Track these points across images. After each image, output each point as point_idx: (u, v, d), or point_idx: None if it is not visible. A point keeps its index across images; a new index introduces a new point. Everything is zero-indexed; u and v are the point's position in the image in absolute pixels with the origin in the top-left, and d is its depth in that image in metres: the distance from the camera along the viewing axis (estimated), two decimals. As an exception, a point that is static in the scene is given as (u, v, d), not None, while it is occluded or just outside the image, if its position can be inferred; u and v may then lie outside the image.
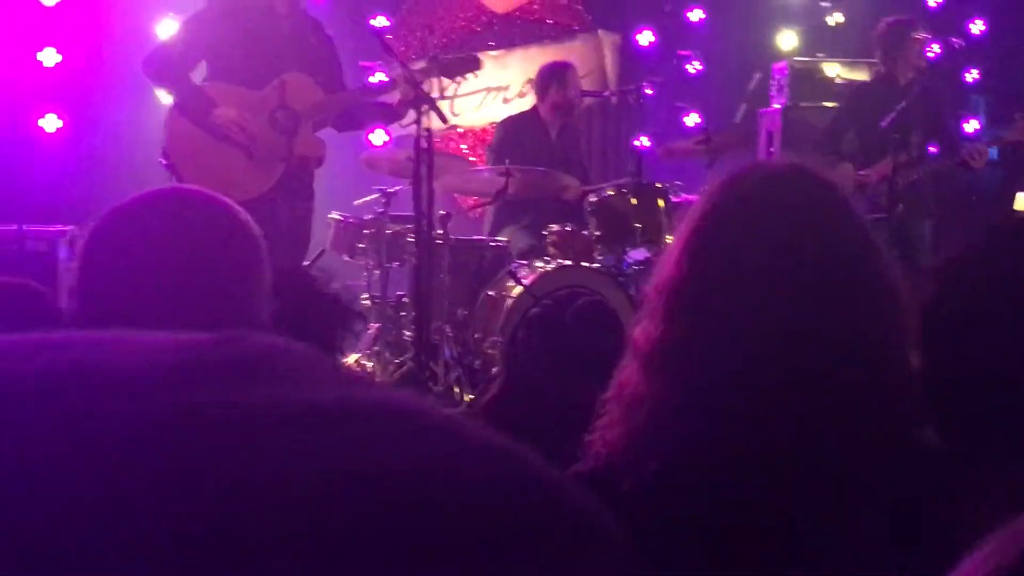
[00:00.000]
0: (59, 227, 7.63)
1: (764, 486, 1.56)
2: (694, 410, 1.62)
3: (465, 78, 6.04)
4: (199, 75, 5.77)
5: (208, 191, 1.67)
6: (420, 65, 5.80)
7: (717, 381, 1.62)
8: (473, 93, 9.07)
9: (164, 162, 5.57)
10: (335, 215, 6.90)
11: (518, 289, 6.28)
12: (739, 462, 1.57)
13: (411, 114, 6.33)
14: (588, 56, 9.26)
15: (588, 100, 8.51)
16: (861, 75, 8.24)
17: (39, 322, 2.13)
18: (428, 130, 5.56)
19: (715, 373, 1.62)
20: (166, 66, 5.59)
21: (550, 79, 7.46)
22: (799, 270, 1.65)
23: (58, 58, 7.92)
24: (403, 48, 8.37)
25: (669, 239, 6.35)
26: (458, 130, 9.07)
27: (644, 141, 8.43)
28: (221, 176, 5.32)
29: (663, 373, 1.66)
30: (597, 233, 6.58)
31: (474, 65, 5.86)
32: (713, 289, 1.67)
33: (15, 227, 6.46)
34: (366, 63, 8.57)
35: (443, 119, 5.36)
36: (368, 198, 6.96)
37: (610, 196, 6.59)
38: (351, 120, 6.15)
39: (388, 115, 5.91)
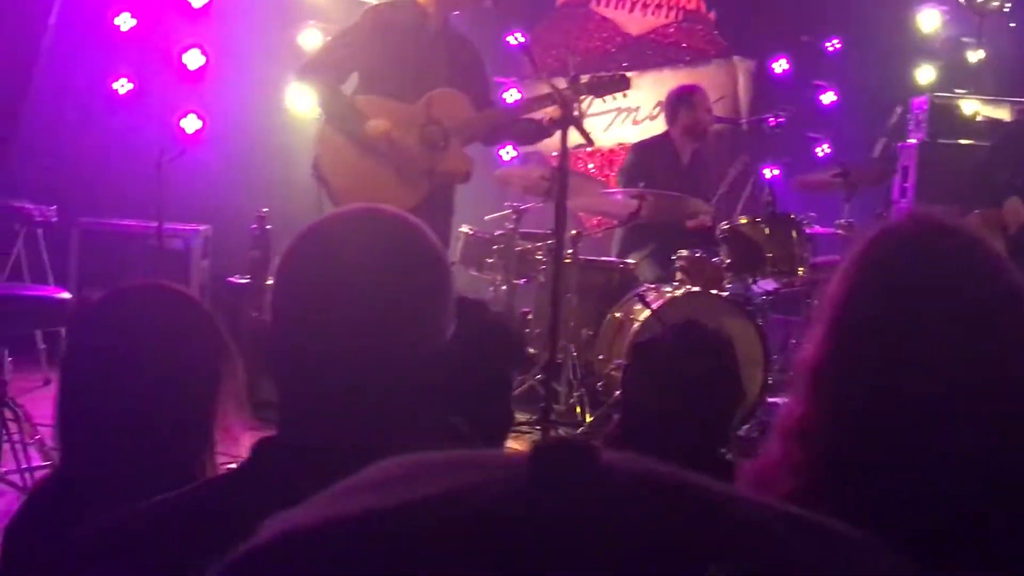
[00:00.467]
0: (194, 226, 7.80)
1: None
2: (837, 485, 1.61)
3: (614, 97, 5.99)
4: (348, 87, 5.80)
5: (401, 212, 1.68)
6: (562, 83, 5.76)
7: (862, 463, 1.60)
8: (603, 113, 9.07)
9: (314, 173, 5.56)
10: (465, 228, 6.95)
11: (645, 313, 6.25)
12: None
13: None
14: (721, 82, 9.22)
15: (718, 126, 8.45)
16: (1002, 113, 8.08)
17: (211, 339, 2.18)
18: (566, 149, 5.52)
19: (859, 454, 1.61)
20: (321, 76, 5.58)
21: (678, 103, 7.43)
22: (949, 329, 1.62)
23: (202, 60, 8.08)
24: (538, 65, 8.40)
25: (801, 271, 6.35)
26: (586, 149, 9.07)
27: (773, 170, 8.37)
28: (370, 189, 5.34)
29: (805, 450, 1.65)
30: (728, 261, 6.52)
31: (624, 85, 5.81)
32: (859, 367, 1.64)
33: (155, 224, 6.59)
34: (500, 79, 8.64)
35: (589, 141, 5.32)
36: (498, 214, 7.01)
37: (743, 224, 6.53)
38: (500, 137, 6.17)
39: (538, 133, 5.88)
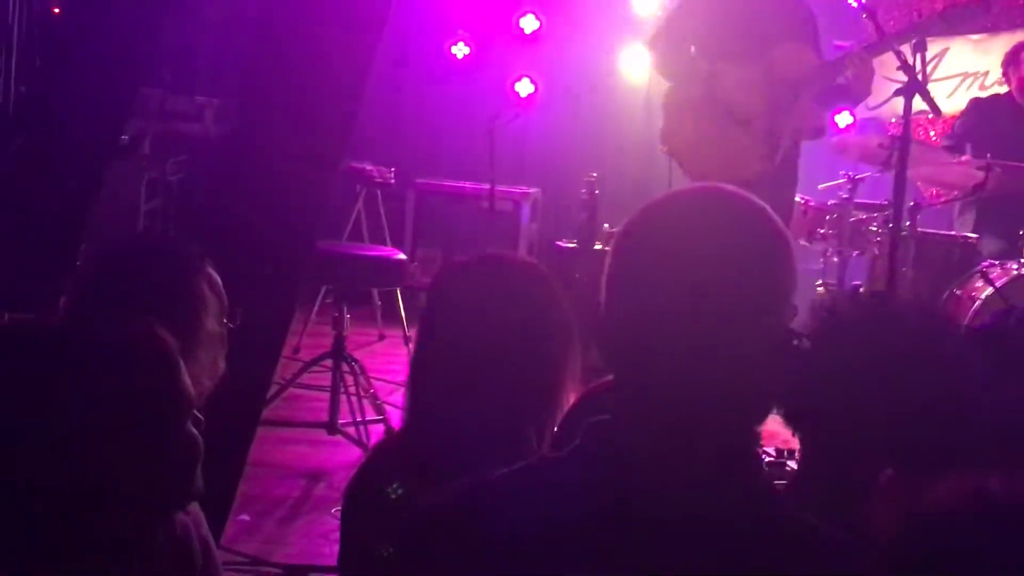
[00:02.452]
0: (524, 189, 7.92)
1: None
2: None
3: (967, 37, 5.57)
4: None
5: (746, 194, 1.60)
6: (907, 49, 5.44)
7: None
8: (948, 78, 8.63)
9: (663, 148, 5.54)
10: (797, 198, 6.75)
11: (988, 291, 5.92)
12: None
13: (879, 98, 6.06)
14: (1082, 44, 8.57)
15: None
16: None
17: (563, 317, 2.19)
18: (909, 117, 5.24)
19: None
20: (669, 46, 5.54)
21: (1007, 63, 7.05)
22: None
23: (536, 24, 8.17)
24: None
25: None
26: (928, 116, 8.64)
27: None
28: (719, 155, 5.27)
29: None
30: (1081, 239, 6.09)
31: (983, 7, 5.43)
32: None
33: (487, 187, 6.72)
34: (839, 43, 8.34)
35: (935, 108, 5.03)
36: (832, 183, 6.78)
37: (1101, 200, 6.08)
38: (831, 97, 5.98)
39: (849, 95, 5.72)
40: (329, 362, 5.03)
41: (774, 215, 1.56)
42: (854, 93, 5.72)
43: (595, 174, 6.72)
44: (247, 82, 3.65)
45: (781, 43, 5.45)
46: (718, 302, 1.46)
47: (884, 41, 5.24)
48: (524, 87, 8.06)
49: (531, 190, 7.99)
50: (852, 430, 1.83)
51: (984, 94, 8.48)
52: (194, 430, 1.75)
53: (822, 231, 6.58)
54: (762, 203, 1.58)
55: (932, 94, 5.82)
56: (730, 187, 1.60)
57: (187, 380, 1.73)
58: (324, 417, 4.97)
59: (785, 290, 1.52)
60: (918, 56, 5.33)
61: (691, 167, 5.36)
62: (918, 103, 5.06)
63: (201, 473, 1.88)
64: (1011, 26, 8.69)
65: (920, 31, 5.29)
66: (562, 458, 1.52)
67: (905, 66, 4.92)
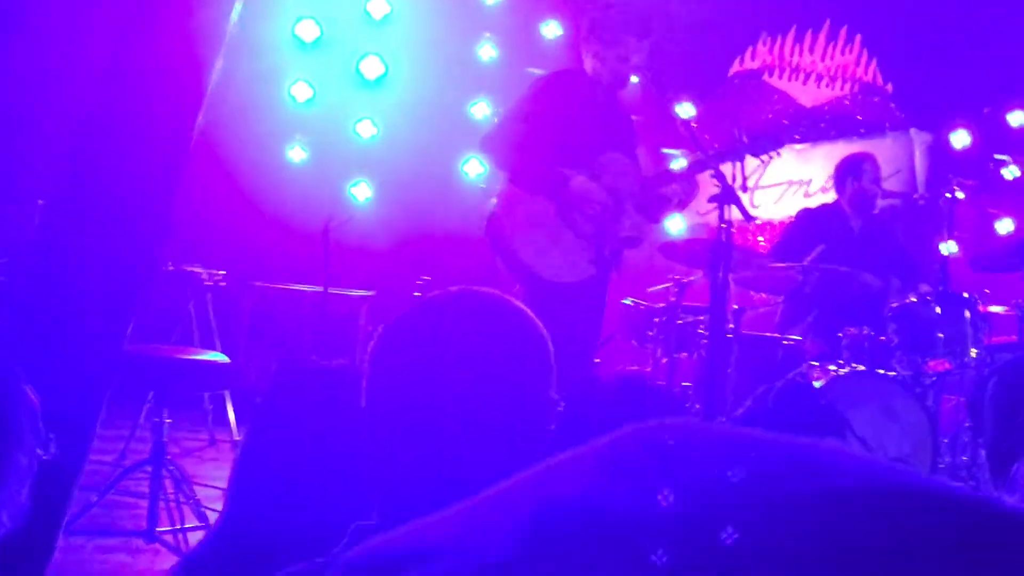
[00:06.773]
0: (359, 292, 7.92)
1: None
2: None
3: (771, 156, 5.77)
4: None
5: (498, 294, 1.64)
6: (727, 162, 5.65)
7: None
8: (774, 186, 8.94)
9: (487, 237, 5.48)
10: (628, 300, 6.88)
11: (808, 391, 6.08)
12: None
13: (708, 204, 6.25)
14: (897, 155, 8.98)
15: (893, 200, 8.23)
16: None
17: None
18: (728, 223, 5.40)
19: None
20: (506, 148, 5.48)
21: (845, 172, 7.31)
22: None
23: (374, 131, 8.24)
24: (707, 137, 8.33)
25: (973, 353, 6.08)
26: (756, 222, 8.93)
27: (952, 246, 8.07)
28: (556, 256, 5.34)
29: None
30: (896, 339, 6.31)
31: (774, 145, 5.65)
32: None
33: (321, 289, 6.71)
34: (668, 150, 8.60)
35: (747, 216, 5.21)
36: (661, 286, 6.93)
37: (913, 303, 6.31)
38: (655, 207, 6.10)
39: (671, 205, 5.85)
40: (150, 468, 4.93)
41: (531, 315, 1.60)
42: (677, 203, 5.82)
43: (428, 277, 6.76)
44: (58, 181, 3.60)
45: (606, 152, 5.54)
46: (472, 402, 1.49)
47: (705, 160, 5.41)
48: (360, 190, 8.10)
49: (367, 293, 7.99)
50: None
51: (809, 201, 8.81)
52: None
53: (651, 333, 6.72)
54: (518, 304, 1.63)
55: (755, 201, 6.03)
56: (486, 289, 1.64)
57: None
58: (144, 525, 4.85)
59: (540, 388, 1.55)
60: (738, 165, 5.54)
61: (516, 264, 5.36)
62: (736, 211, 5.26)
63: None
64: (831, 136, 9.08)
65: (734, 154, 5.47)
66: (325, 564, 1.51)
67: (719, 176, 5.09)
